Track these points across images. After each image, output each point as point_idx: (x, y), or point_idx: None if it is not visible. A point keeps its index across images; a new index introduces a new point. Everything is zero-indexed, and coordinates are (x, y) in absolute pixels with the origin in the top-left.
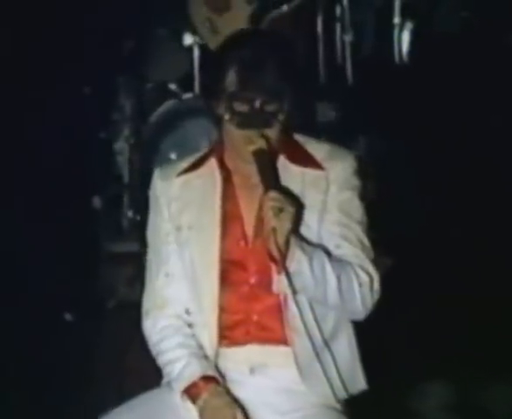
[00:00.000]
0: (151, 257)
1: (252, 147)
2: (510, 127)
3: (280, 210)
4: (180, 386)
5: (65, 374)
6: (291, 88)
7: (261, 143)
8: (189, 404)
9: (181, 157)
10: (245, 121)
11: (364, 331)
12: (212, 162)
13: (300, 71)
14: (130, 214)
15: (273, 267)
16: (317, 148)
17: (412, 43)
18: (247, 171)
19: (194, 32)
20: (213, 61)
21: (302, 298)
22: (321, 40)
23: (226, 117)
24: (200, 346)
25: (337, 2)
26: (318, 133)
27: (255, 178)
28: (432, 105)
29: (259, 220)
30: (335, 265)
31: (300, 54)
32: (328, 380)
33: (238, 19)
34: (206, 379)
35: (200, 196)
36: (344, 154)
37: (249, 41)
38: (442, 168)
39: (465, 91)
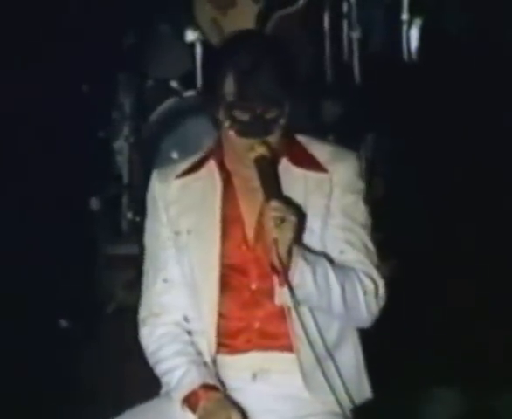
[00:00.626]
0: (148, 262)
1: (253, 155)
2: None
3: (282, 220)
4: (179, 395)
5: (63, 383)
6: (291, 92)
7: (262, 150)
8: (189, 414)
9: (182, 157)
10: (245, 130)
11: (370, 337)
12: (212, 164)
13: (299, 72)
14: (130, 215)
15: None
16: (320, 150)
17: (421, 39)
18: (248, 174)
19: (196, 28)
20: (210, 67)
21: (306, 308)
22: (329, 37)
23: (226, 124)
24: (199, 354)
25: None
26: (325, 131)
27: (256, 181)
28: (441, 102)
29: (260, 224)
30: (338, 273)
31: (306, 53)
32: (333, 388)
33: (244, 18)
34: (206, 387)
35: (200, 199)
36: (347, 155)
37: (246, 46)
38: (451, 167)
39: (474, 88)
